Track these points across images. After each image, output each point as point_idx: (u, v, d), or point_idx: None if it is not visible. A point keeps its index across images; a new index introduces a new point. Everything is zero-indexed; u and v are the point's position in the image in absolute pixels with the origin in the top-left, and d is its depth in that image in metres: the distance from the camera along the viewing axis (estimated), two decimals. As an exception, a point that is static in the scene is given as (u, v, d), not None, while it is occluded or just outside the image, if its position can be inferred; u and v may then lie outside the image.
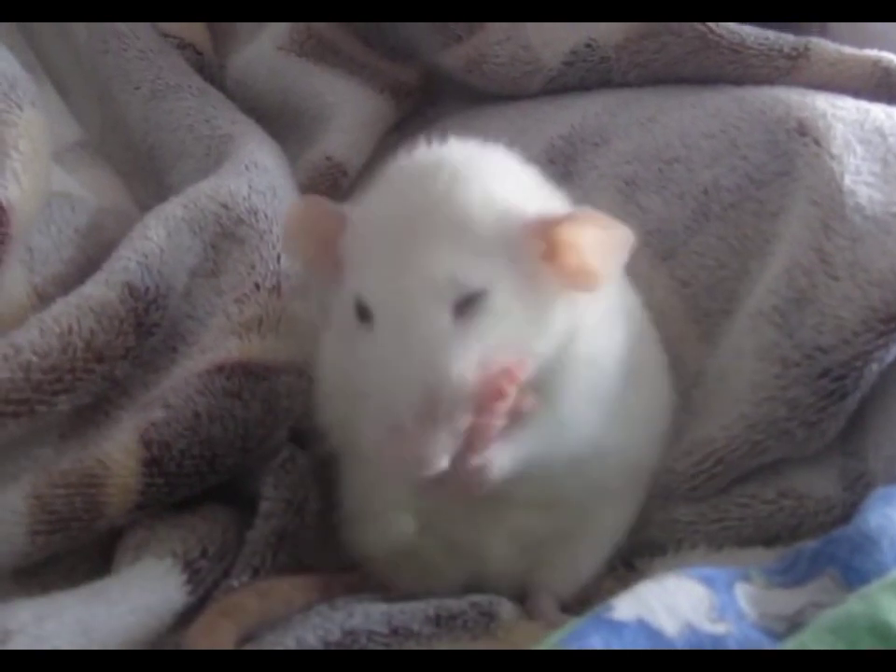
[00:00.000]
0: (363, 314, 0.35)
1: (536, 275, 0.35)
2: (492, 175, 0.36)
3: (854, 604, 0.30)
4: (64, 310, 0.43)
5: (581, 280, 0.36)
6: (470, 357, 0.33)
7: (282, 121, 0.58)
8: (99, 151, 0.58)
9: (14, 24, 0.61)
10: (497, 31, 0.55)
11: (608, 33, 0.53)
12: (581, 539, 0.41)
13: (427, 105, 0.60)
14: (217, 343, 0.45)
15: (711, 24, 0.51)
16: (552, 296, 0.35)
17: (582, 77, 0.54)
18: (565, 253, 0.35)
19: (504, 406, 0.33)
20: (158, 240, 0.46)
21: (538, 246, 0.35)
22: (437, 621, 0.36)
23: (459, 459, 0.33)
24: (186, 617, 0.39)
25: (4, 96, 0.47)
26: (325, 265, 0.37)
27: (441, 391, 0.32)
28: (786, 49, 0.51)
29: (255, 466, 0.44)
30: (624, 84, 0.53)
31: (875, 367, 0.42)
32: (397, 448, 0.33)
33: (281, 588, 0.40)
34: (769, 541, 0.43)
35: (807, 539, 0.39)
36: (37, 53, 0.61)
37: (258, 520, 0.41)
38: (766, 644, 0.31)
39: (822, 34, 0.52)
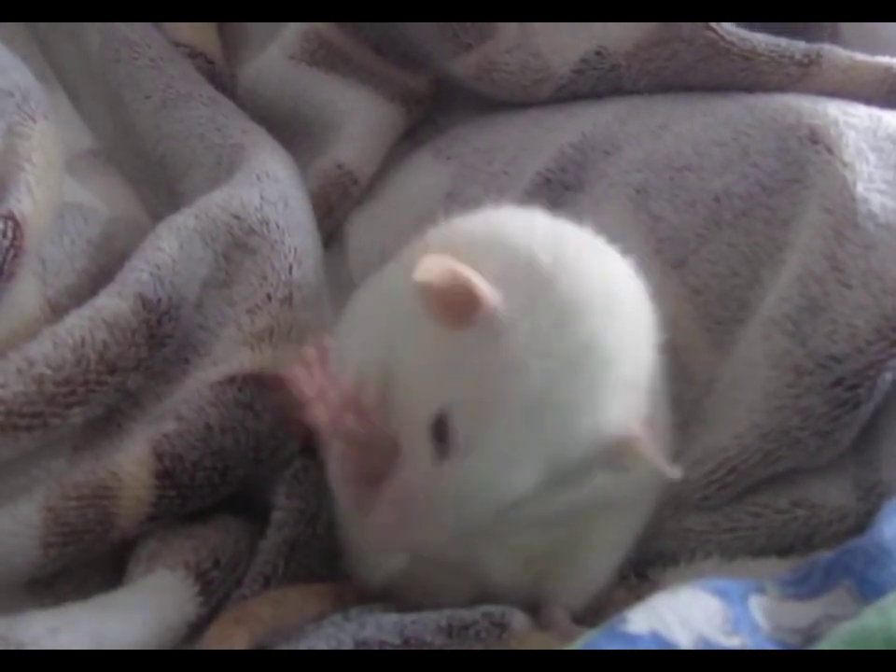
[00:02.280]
0: (441, 432, 0.34)
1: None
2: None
3: (870, 617, 0.30)
4: (77, 322, 0.43)
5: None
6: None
7: (292, 130, 0.58)
8: (111, 159, 0.58)
9: (27, 33, 0.61)
10: (507, 39, 0.55)
11: (618, 40, 0.53)
12: (589, 550, 0.41)
13: (437, 112, 0.60)
14: (228, 355, 0.45)
15: (722, 32, 0.51)
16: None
17: (593, 85, 0.54)
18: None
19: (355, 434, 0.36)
20: (170, 251, 0.46)
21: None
22: (449, 631, 0.36)
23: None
24: (198, 628, 0.39)
25: (17, 108, 0.47)
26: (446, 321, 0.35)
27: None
28: (797, 56, 0.50)
29: (267, 477, 0.44)
30: (635, 92, 0.53)
31: (888, 376, 0.42)
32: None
33: (293, 596, 0.40)
34: (782, 551, 0.43)
35: (821, 549, 0.39)
36: (50, 62, 0.61)
37: (270, 530, 0.42)
38: (781, 657, 0.31)
39: (834, 40, 0.52)
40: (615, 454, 0.35)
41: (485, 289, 0.34)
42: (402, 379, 0.36)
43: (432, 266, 0.33)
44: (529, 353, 0.34)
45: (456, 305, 0.34)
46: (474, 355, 0.34)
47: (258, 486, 0.44)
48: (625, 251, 0.42)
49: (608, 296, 0.36)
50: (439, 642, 0.36)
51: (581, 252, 0.37)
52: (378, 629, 0.36)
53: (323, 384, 0.37)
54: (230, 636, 0.37)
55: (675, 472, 0.36)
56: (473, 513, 0.34)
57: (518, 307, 0.34)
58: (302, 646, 0.36)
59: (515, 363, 0.33)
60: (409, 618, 0.37)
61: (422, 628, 0.36)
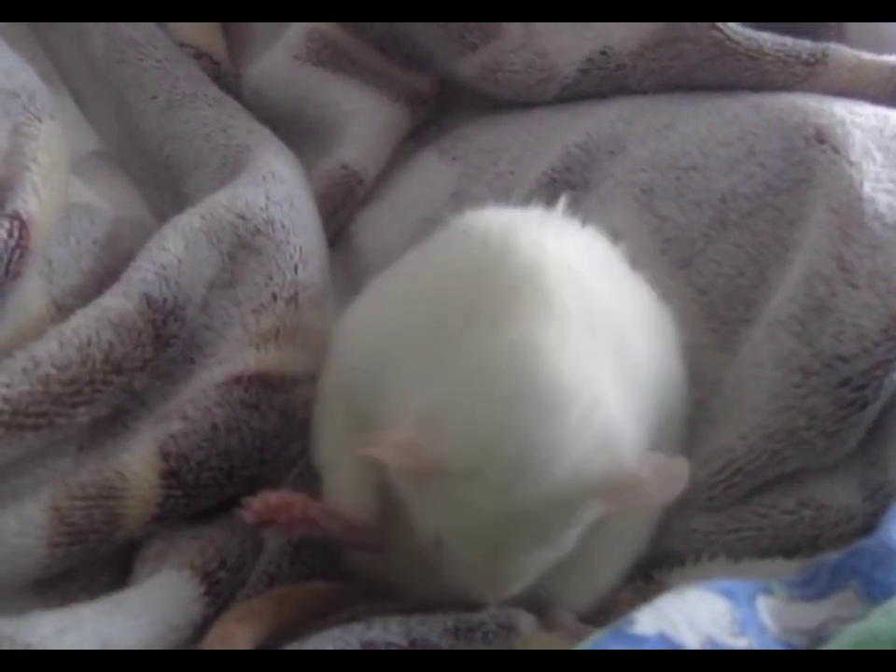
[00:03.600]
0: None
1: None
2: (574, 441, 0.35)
3: (878, 619, 0.30)
4: (83, 322, 0.43)
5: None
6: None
7: (297, 130, 0.58)
8: (116, 160, 0.58)
9: (33, 35, 0.61)
10: (512, 39, 0.55)
11: (623, 40, 0.53)
12: (596, 551, 0.40)
13: (442, 112, 0.60)
14: (234, 355, 0.45)
15: (728, 31, 0.51)
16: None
17: (598, 85, 0.54)
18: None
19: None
20: (176, 251, 0.46)
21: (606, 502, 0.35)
22: (456, 633, 0.36)
23: None
24: (204, 629, 0.39)
25: (23, 109, 0.47)
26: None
27: None
28: (803, 56, 0.50)
29: (272, 477, 0.43)
30: (640, 91, 0.53)
31: (895, 376, 0.42)
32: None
33: (297, 595, 0.40)
34: (789, 552, 0.42)
35: (828, 550, 0.39)
36: (55, 63, 0.61)
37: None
38: (788, 659, 0.31)
39: (840, 39, 0.52)
40: (615, 498, 0.35)
41: (436, 462, 0.34)
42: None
43: (392, 448, 0.34)
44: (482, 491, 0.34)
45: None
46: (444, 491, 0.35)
47: (263, 487, 0.44)
48: (630, 251, 0.42)
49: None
50: (445, 644, 0.36)
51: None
52: (384, 630, 0.36)
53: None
54: (233, 634, 0.37)
55: (676, 484, 0.35)
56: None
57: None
58: (308, 646, 0.36)
59: (477, 502, 0.34)
60: (415, 619, 0.37)
61: (428, 630, 0.36)
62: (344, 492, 0.40)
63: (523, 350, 0.34)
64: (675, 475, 0.35)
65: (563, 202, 0.42)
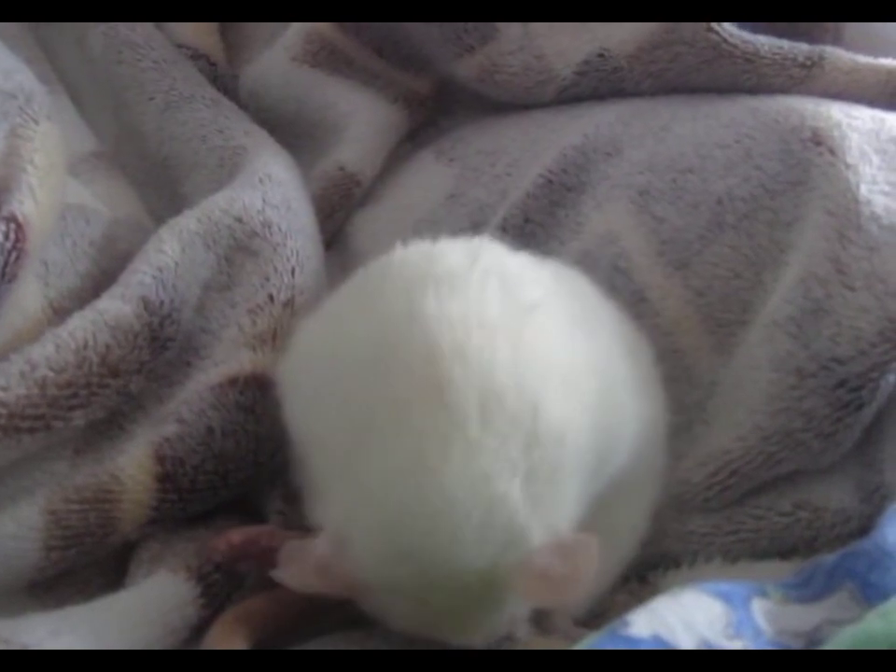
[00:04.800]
0: None
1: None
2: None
3: (873, 621, 0.30)
4: (80, 325, 0.43)
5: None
6: None
7: (295, 132, 0.58)
8: (114, 161, 0.58)
9: (31, 36, 0.61)
10: (509, 41, 0.55)
11: (620, 43, 0.53)
12: None
13: (439, 114, 0.60)
14: (229, 356, 0.45)
15: (725, 34, 0.51)
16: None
17: (595, 87, 0.54)
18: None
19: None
20: (173, 254, 0.46)
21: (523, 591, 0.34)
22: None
23: None
24: (200, 630, 0.39)
25: (20, 110, 0.47)
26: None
27: None
28: (800, 59, 0.50)
29: (265, 479, 0.43)
30: (637, 94, 0.53)
31: (891, 378, 0.42)
32: None
33: (295, 595, 0.40)
34: (785, 554, 0.43)
35: (824, 552, 0.39)
36: (53, 64, 0.61)
37: None
38: (783, 661, 0.31)
39: (837, 42, 0.52)
40: (529, 594, 0.34)
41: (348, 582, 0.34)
42: None
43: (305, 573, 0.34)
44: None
45: None
46: None
47: (256, 488, 0.44)
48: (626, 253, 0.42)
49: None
50: (443, 648, 0.36)
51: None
52: (384, 639, 0.36)
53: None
54: (231, 634, 0.37)
55: (584, 574, 0.34)
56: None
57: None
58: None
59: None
60: None
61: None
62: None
63: (417, 466, 0.33)
64: (582, 557, 0.33)
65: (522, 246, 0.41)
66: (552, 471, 0.34)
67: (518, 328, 0.36)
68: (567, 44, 0.54)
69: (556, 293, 0.39)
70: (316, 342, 0.39)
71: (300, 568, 0.35)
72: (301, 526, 0.40)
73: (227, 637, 0.37)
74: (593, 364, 0.37)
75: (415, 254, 0.39)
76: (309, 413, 0.38)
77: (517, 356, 0.35)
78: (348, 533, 0.34)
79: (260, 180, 0.50)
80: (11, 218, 0.44)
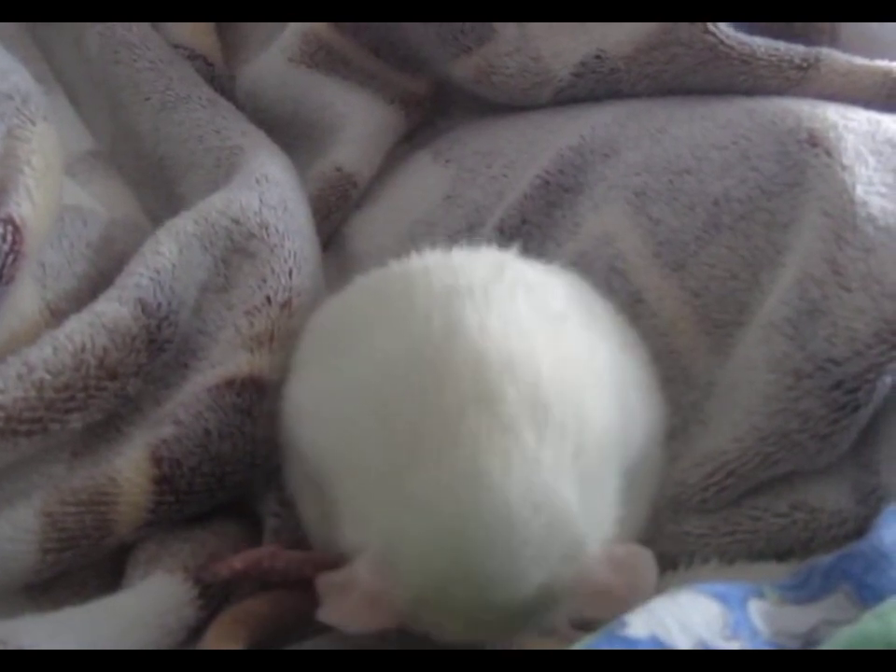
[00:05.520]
0: None
1: None
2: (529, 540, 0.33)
3: (869, 623, 0.30)
4: (77, 327, 0.43)
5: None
6: None
7: (292, 132, 0.58)
8: (110, 162, 0.58)
9: (27, 36, 0.61)
10: (506, 42, 0.55)
11: (617, 44, 0.53)
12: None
13: (437, 115, 0.60)
14: (226, 357, 0.45)
15: (721, 36, 0.51)
16: None
17: (592, 89, 0.54)
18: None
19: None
20: (170, 256, 0.46)
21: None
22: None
23: None
24: (198, 632, 0.39)
25: (17, 111, 0.47)
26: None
27: None
28: (796, 60, 0.50)
29: (261, 481, 0.43)
30: (634, 95, 0.53)
31: (888, 379, 0.42)
32: None
33: (293, 596, 0.40)
34: (782, 555, 0.43)
35: (820, 553, 0.39)
36: (49, 64, 0.61)
37: (266, 536, 0.42)
38: (780, 663, 0.31)
39: (833, 44, 0.52)
40: (586, 608, 0.34)
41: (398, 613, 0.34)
42: None
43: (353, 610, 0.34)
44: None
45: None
46: None
47: (253, 491, 0.44)
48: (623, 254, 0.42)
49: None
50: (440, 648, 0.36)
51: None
52: (381, 641, 0.36)
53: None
54: (229, 636, 0.37)
55: (646, 587, 0.34)
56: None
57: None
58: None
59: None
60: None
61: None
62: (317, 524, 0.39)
63: (475, 480, 0.33)
64: (642, 570, 0.34)
65: (517, 246, 0.41)
66: (597, 479, 0.35)
67: (553, 337, 0.36)
68: (564, 45, 0.54)
69: (576, 301, 0.39)
70: (335, 359, 0.38)
71: (347, 605, 0.33)
72: (299, 539, 0.40)
73: (224, 638, 0.37)
74: (612, 368, 0.37)
75: (439, 266, 0.38)
76: (335, 435, 0.37)
77: (557, 365, 0.35)
78: (395, 555, 0.33)
79: (257, 181, 0.50)
80: (8, 220, 0.43)
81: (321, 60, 0.59)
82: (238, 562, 0.38)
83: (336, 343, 0.39)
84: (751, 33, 0.52)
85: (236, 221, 0.48)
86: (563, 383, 0.35)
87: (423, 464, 0.33)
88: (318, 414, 0.38)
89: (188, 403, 0.43)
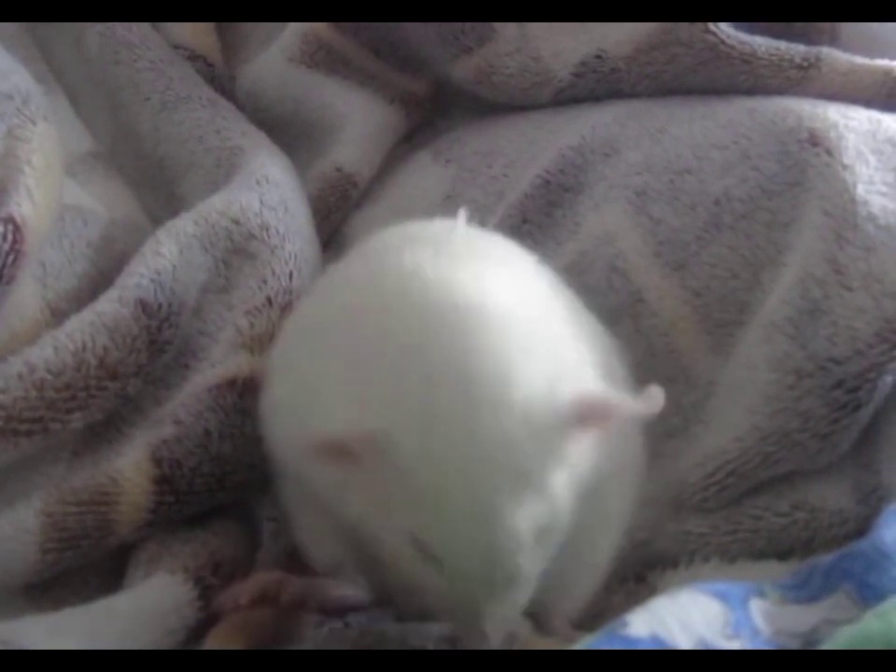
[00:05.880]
0: (423, 548, 0.33)
1: (580, 456, 0.34)
2: (524, 369, 0.33)
3: (870, 622, 0.30)
4: (78, 327, 0.43)
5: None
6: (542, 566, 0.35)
7: (292, 132, 0.58)
8: (110, 162, 0.58)
9: (27, 36, 0.61)
10: (506, 42, 0.55)
11: (617, 44, 0.53)
12: (578, 557, 0.40)
13: (437, 115, 0.60)
14: (226, 357, 0.45)
15: (722, 35, 0.51)
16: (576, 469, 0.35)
17: (592, 89, 0.54)
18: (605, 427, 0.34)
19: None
20: (170, 256, 0.46)
21: (581, 433, 0.34)
22: (452, 639, 0.36)
23: None
24: (198, 632, 0.39)
25: (17, 111, 0.47)
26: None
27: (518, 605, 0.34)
28: (797, 60, 0.50)
29: (260, 482, 0.43)
30: (634, 95, 0.53)
31: (888, 378, 0.42)
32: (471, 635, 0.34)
33: (293, 604, 0.40)
34: (782, 554, 0.43)
35: (821, 552, 0.39)
36: (49, 64, 0.61)
37: (266, 540, 0.42)
38: (781, 662, 0.31)
39: (833, 43, 0.52)
40: (589, 420, 0.34)
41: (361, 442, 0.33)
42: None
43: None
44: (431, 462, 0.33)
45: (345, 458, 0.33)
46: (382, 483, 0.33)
47: (252, 492, 0.44)
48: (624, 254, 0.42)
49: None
50: (441, 650, 0.36)
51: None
52: (380, 638, 0.36)
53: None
54: (231, 642, 0.37)
55: (650, 404, 0.34)
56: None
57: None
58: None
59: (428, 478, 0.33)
60: (411, 627, 0.37)
61: (425, 636, 0.36)
62: (313, 541, 0.40)
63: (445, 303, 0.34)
64: (650, 396, 0.34)
65: (462, 214, 0.41)
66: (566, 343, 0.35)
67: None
68: (565, 45, 0.54)
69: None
70: (307, 353, 0.38)
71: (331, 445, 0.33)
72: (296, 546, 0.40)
73: (226, 644, 0.37)
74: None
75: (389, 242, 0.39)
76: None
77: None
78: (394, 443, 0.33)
79: (258, 182, 0.50)
80: (9, 220, 0.43)
81: (321, 60, 0.59)
82: (245, 596, 0.38)
83: (306, 339, 0.39)
84: (752, 32, 0.52)
85: (236, 222, 0.48)
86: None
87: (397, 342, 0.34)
88: (293, 407, 0.38)
89: (188, 403, 0.43)
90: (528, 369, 0.33)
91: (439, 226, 0.40)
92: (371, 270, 0.37)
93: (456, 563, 0.33)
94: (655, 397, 0.34)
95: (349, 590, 0.38)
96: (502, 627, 0.34)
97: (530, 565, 0.33)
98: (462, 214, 0.41)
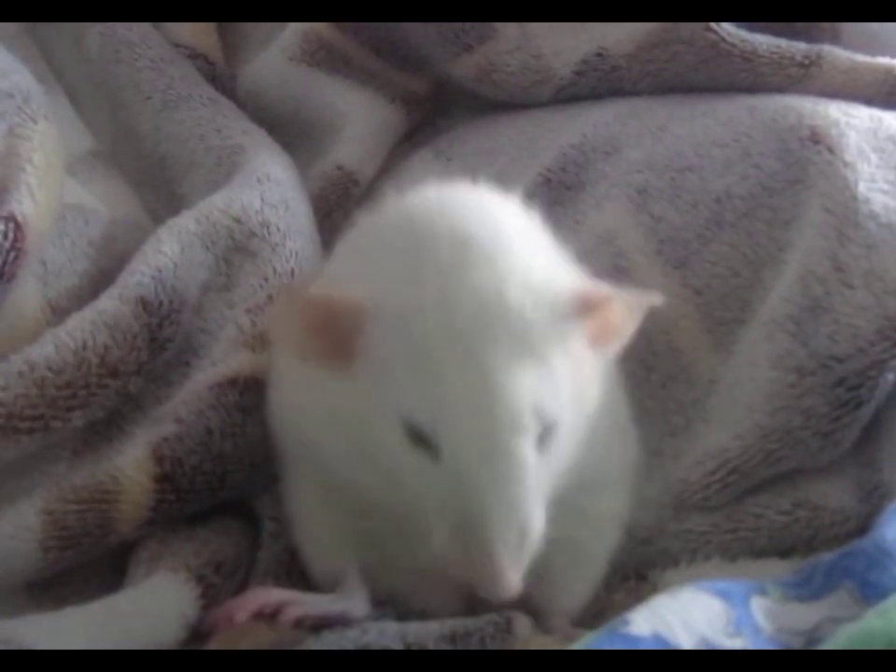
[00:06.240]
0: (418, 438, 0.32)
1: (580, 358, 0.34)
2: (524, 251, 0.34)
3: (872, 620, 0.30)
4: (79, 325, 0.43)
5: (607, 348, 0.36)
6: (544, 494, 0.33)
7: (293, 131, 0.58)
8: (111, 161, 0.58)
9: (28, 35, 0.61)
10: (507, 40, 0.55)
11: (618, 42, 0.53)
12: (577, 553, 0.40)
13: (437, 114, 0.60)
14: (227, 356, 0.45)
15: (723, 33, 0.51)
16: (590, 378, 0.35)
17: (593, 87, 0.54)
18: (606, 330, 0.35)
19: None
20: (171, 254, 0.46)
21: (581, 328, 0.34)
22: (452, 638, 0.36)
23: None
24: (200, 631, 0.39)
25: (18, 110, 0.47)
26: (334, 360, 0.33)
27: (530, 532, 0.32)
28: (798, 58, 0.51)
29: (261, 482, 0.43)
30: (635, 93, 0.53)
31: (890, 376, 0.42)
32: (484, 571, 0.32)
33: (292, 619, 0.39)
34: (783, 552, 0.43)
35: (823, 551, 0.39)
36: (50, 63, 0.61)
37: (266, 540, 0.42)
38: (783, 660, 0.31)
39: (834, 41, 0.52)
40: (582, 311, 0.34)
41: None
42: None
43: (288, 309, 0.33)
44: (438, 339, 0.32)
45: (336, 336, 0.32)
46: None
47: (253, 491, 0.44)
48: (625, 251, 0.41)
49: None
50: (442, 648, 0.36)
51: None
52: (380, 635, 0.35)
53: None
54: (234, 647, 0.37)
55: (655, 298, 0.35)
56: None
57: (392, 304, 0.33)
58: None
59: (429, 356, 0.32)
60: (412, 626, 0.37)
61: (425, 635, 0.36)
62: (321, 550, 0.40)
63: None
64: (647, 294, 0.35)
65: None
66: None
67: None
68: (565, 43, 0.54)
69: None
70: None
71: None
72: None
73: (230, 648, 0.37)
74: None
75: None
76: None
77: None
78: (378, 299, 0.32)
79: (259, 180, 0.50)
80: (10, 218, 0.43)
81: (322, 59, 0.59)
82: (241, 613, 0.37)
83: None
84: (753, 31, 0.52)
85: (237, 220, 0.48)
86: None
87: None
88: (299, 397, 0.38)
89: (189, 402, 0.43)
90: (530, 251, 0.34)
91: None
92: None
93: (454, 442, 0.32)
94: (652, 294, 0.35)
95: (348, 605, 0.38)
96: (516, 575, 0.32)
97: (533, 474, 0.32)
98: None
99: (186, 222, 0.48)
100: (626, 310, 0.35)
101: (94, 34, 0.58)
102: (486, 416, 0.32)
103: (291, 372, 0.38)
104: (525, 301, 0.33)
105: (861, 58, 0.51)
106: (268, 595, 0.38)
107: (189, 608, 0.39)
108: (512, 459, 0.32)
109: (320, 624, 0.37)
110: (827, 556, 0.35)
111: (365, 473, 0.35)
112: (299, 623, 0.37)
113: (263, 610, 0.37)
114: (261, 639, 0.37)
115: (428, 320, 0.32)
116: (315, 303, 0.33)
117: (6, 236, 0.43)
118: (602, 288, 0.35)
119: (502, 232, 0.34)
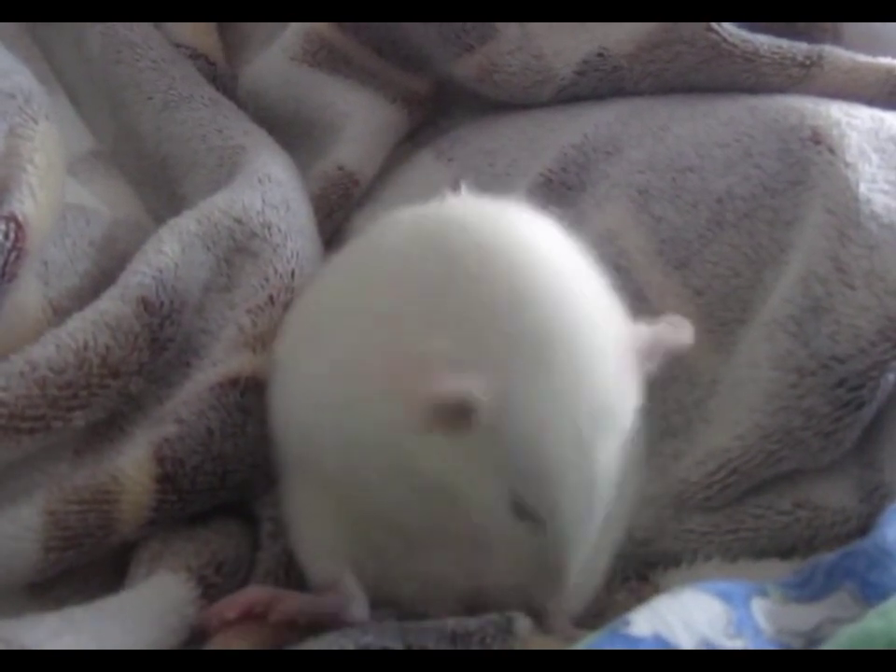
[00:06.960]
0: (522, 510, 0.34)
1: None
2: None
3: (872, 621, 0.30)
4: (80, 325, 0.43)
5: None
6: None
7: (294, 131, 0.58)
8: (112, 161, 0.58)
9: (29, 35, 0.61)
10: (508, 40, 0.55)
11: (619, 42, 0.53)
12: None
13: (439, 114, 0.60)
14: (228, 356, 0.45)
15: (724, 33, 0.51)
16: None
17: (595, 87, 0.54)
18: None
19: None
20: (172, 255, 0.46)
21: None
22: (453, 638, 0.36)
23: None
24: (201, 631, 0.39)
25: (19, 110, 0.47)
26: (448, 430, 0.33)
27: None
28: (799, 58, 0.51)
29: (261, 483, 0.43)
30: (637, 93, 0.53)
31: (891, 377, 0.42)
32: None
33: (292, 619, 0.39)
34: (785, 553, 0.43)
35: (823, 551, 0.39)
36: (51, 63, 0.61)
37: (265, 541, 0.42)
38: (783, 661, 0.31)
39: (836, 42, 0.52)
40: (644, 347, 0.35)
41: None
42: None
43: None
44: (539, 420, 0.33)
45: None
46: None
47: (254, 492, 0.44)
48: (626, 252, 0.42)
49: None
50: (442, 648, 0.36)
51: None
52: (380, 635, 0.35)
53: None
54: (226, 646, 0.37)
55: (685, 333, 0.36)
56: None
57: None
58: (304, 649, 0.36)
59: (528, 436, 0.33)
60: (412, 625, 0.37)
61: (425, 635, 0.36)
62: (313, 556, 0.40)
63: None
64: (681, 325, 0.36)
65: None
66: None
67: None
68: (566, 43, 0.54)
69: None
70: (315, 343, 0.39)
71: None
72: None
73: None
74: None
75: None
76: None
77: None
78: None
79: (260, 180, 0.50)
80: (11, 218, 0.43)
81: (323, 59, 0.59)
82: (233, 610, 0.37)
83: (313, 330, 0.40)
84: (754, 30, 0.52)
85: (238, 221, 0.48)
86: None
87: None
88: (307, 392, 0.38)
89: (190, 402, 0.43)
90: (604, 308, 0.35)
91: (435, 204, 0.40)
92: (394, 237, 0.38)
93: (560, 520, 0.34)
94: (684, 324, 0.36)
95: (343, 606, 0.38)
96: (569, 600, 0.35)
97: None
98: (463, 186, 0.41)
99: (187, 222, 0.48)
100: (673, 344, 0.37)
101: (95, 34, 0.58)
102: (590, 505, 0.34)
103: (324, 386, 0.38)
104: (615, 378, 0.34)
105: (863, 58, 0.51)
106: (260, 593, 0.38)
107: (190, 608, 0.39)
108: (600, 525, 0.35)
109: (315, 625, 0.37)
110: (827, 557, 0.35)
111: (395, 497, 0.36)
112: (292, 623, 0.37)
113: (254, 608, 0.37)
114: (254, 639, 0.37)
115: (550, 415, 0.33)
116: (448, 405, 0.33)
117: (7, 236, 0.43)
118: (652, 333, 0.36)
119: (590, 301, 0.35)
